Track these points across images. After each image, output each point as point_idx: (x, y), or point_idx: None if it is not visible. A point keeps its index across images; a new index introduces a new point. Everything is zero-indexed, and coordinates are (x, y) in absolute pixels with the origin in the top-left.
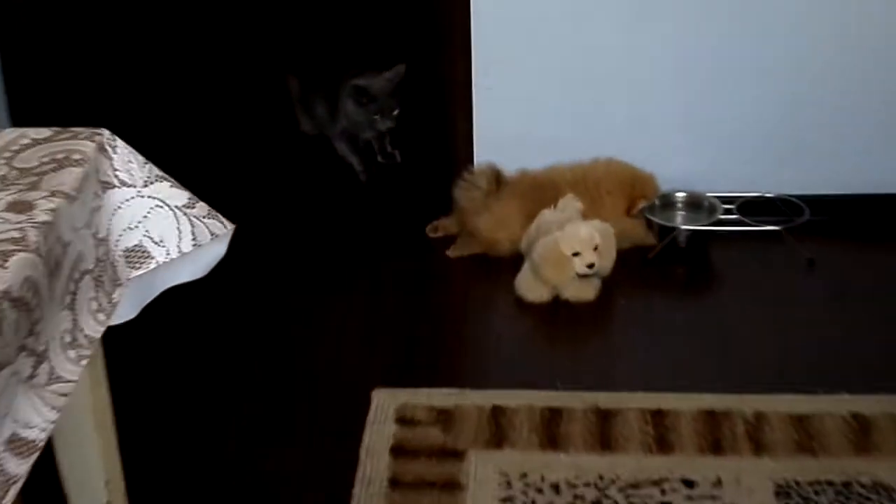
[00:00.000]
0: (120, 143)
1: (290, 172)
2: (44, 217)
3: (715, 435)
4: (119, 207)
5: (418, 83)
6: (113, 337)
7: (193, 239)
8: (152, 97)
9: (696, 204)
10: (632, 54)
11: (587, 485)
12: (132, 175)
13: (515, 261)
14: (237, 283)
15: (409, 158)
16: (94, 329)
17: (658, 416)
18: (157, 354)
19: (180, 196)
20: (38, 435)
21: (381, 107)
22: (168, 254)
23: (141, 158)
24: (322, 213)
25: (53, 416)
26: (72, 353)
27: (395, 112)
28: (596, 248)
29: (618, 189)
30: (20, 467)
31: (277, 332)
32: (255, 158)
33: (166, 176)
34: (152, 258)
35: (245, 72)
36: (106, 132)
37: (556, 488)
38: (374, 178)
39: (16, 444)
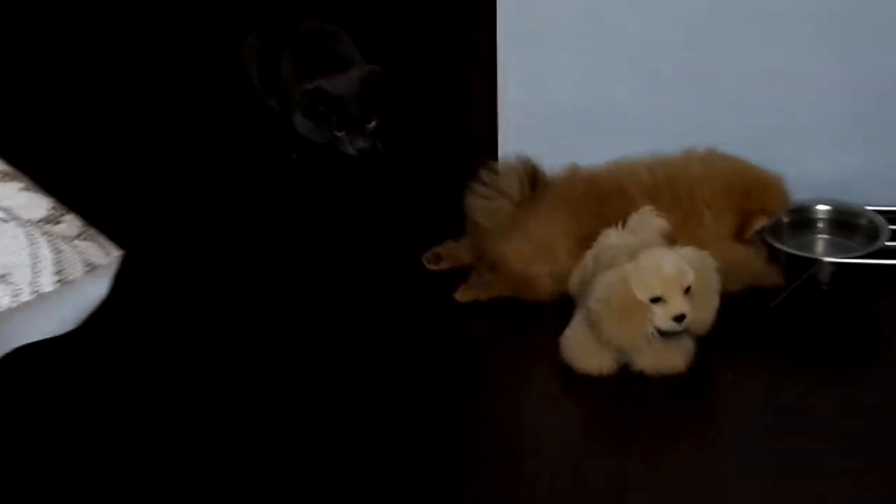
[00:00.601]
0: None
1: (241, 170)
2: None
3: None
4: None
5: (414, 30)
6: None
7: (58, 272)
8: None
9: (847, 223)
10: None
11: None
12: None
13: (562, 309)
14: (126, 340)
15: (397, 148)
16: None
17: None
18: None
19: (38, 204)
20: None
21: (348, 118)
22: (16, 295)
23: None
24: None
25: None
26: None
27: (372, 125)
28: (688, 291)
29: (724, 198)
30: None
31: (191, 424)
32: (192, 146)
33: (16, 172)
34: None
35: (190, 31)
36: None
37: None
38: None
39: None
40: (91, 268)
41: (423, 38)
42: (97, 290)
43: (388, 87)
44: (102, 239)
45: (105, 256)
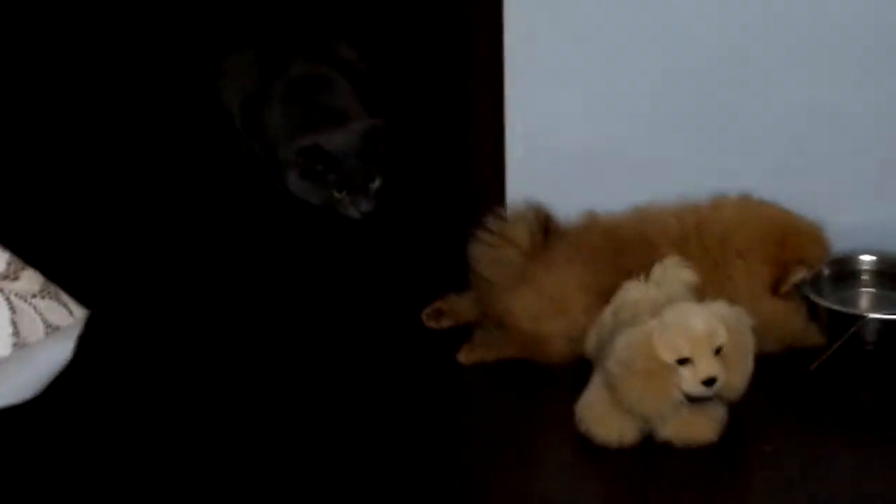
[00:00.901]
0: None
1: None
2: None
3: None
4: None
5: (412, 54)
6: None
7: (15, 334)
8: None
9: (895, 275)
10: (781, 17)
11: None
12: None
13: (578, 372)
14: (94, 409)
15: (395, 193)
16: None
17: None
18: None
19: None
20: None
21: (347, 177)
22: None
23: None
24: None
25: None
26: None
27: (376, 185)
28: (719, 352)
29: (758, 249)
30: None
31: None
32: (165, 189)
33: None
34: None
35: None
36: None
37: None
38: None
39: None
40: (52, 329)
41: (426, 74)
42: (60, 353)
43: (390, 137)
44: (66, 297)
45: (68, 316)
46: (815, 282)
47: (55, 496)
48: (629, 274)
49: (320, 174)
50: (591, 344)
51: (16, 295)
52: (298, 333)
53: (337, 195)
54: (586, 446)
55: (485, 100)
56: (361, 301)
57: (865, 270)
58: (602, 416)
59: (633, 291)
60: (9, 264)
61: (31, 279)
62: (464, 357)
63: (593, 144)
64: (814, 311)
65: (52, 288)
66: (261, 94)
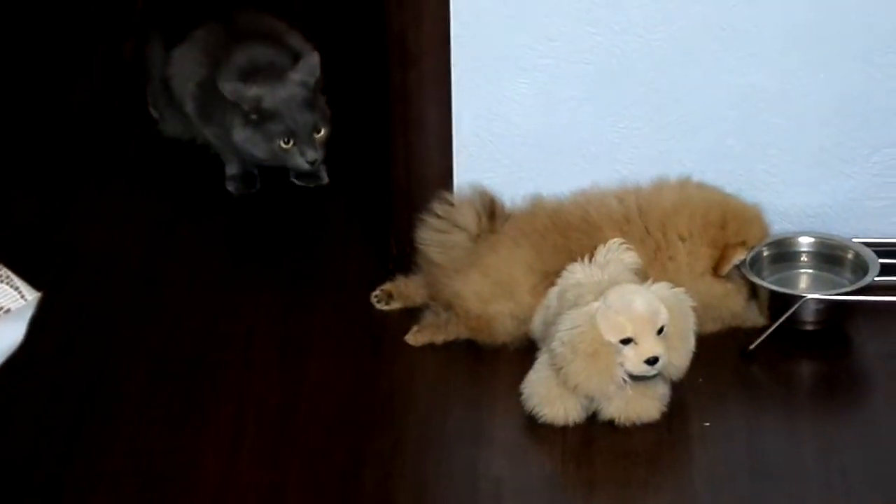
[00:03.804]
0: None
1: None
2: None
3: None
4: None
5: (358, 40)
6: None
7: None
8: None
9: (833, 256)
10: (721, 2)
11: None
12: None
13: (524, 352)
14: (47, 391)
15: (342, 177)
16: None
17: None
18: None
19: None
20: None
21: (292, 128)
22: None
23: None
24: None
25: None
26: None
27: (322, 134)
28: (661, 332)
29: (700, 231)
30: None
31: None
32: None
33: None
34: None
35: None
36: None
37: None
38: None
39: None
40: (3, 312)
41: (373, 60)
42: (11, 335)
43: (328, 71)
44: (17, 280)
45: (20, 299)
46: (755, 262)
47: (8, 476)
48: (573, 256)
49: (258, 123)
50: (536, 325)
51: None
52: (248, 315)
53: (284, 146)
54: (532, 425)
55: (432, 85)
56: (311, 284)
57: (804, 252)
58: (548, 396)
59: (577, 273)
60: None
61: None
62: (412, 338)
63: (538, 130)
64: (754, 292)
65: (3, 271)
66: (211, 81)
